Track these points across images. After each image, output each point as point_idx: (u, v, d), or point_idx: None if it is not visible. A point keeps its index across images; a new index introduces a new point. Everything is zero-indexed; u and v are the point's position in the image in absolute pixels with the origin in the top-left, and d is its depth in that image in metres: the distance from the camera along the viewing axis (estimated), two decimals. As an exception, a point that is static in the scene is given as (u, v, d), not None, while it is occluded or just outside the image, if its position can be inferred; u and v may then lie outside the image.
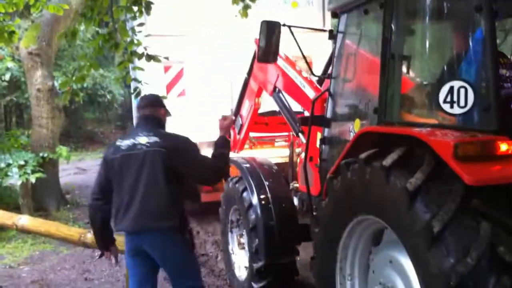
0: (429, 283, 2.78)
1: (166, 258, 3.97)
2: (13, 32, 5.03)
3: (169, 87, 8.68)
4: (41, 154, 10.00)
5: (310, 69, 5.02)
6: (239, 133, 6.95)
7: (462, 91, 3.20)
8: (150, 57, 5.80)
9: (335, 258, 3.83)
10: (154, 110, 4.21)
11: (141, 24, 5.71)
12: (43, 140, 10.29)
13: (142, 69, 6.28)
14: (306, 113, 5.55)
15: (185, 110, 8.21)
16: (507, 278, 2.54)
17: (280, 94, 5.95)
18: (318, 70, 5.71)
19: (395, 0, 3.61)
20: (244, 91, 6.73)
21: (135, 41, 5.67)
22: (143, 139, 3.96)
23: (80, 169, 16.58)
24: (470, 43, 3.35)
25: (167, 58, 6.18)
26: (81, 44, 18.17)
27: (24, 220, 6.06)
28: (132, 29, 5.73)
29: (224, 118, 4.38)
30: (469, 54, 3.33)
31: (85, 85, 19.57)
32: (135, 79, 6.38)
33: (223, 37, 8.45)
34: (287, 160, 6.67)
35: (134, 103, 13.79)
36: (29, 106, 16.22)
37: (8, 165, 9.25)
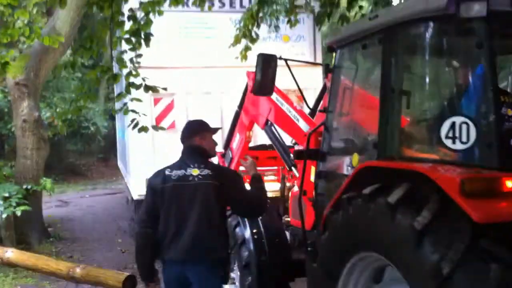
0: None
1: (206, 285, 4.02)
2: (7, 63, 4.98)
3: (159, 119, 8.66)
4: (24, 186, 9.76)
5: (306, 102, 5.01)
6: (229, 166, 6.90)
7: (464, 127, 3.20)
8: (148, 88, 5.79)
9: None
10: (200, 139, 4.29)
11: (139, 56, 5.65)
12: (27, 171, 10.15)
13: (140, 100, 6.23)
14: (297, 147, 5.55)
15: (175, 142, 8.15)
16: None
17: (272, 127, 5.93)
18: (309, 103, 5.74)
19: (395, 35, 3.63)
20: (234, 124, 6.70)
21: (133, 72, 5.60)
22: (195, 171, 4.07)
23: (62, 202, 16.23)
24: (471, 79, 3.38)
25: (165, 89, 6.15)
26: (66, 76, 18.13)
27: (10, 253, 5.86)
28: (131, 60, 5.67)
29: (245, 159, 4.62)
30: (470, 90, 3.35)
31: (69, 116, 19.84)
32: (133, 111, 6.29)
33: (214, 70, 8.45)
34: (277, 194, 6.62)
35: (119, 136, 13.72)
36: (10, 137, 15.99)
37: None
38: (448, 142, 3.24)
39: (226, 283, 4.18)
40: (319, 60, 8.94)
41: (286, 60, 4.83)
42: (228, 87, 8.10)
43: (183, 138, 4.38)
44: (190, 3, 7.89)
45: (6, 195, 9.05)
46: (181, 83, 8.53)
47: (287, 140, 5.85)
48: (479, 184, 2.83)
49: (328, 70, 4.66)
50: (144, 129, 6.33)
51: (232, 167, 6.82)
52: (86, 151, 25.30)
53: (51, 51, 9.53)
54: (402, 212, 2.97)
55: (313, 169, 4.96)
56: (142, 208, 4.26)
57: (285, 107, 5.60)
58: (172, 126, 8.62)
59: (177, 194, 4.03)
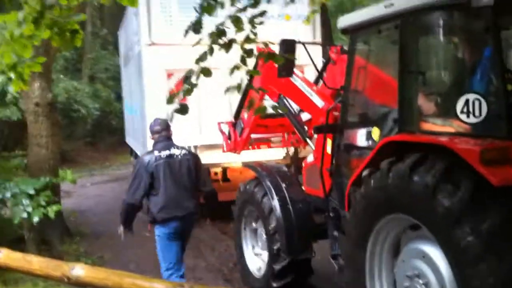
0: (456, 258, 3.35)
1: (189, 230, 5.76)
2: (75, 31, 4.17)
3: (172, 93, 8.94)
4: (42, 179, 8.07)
5: (324, 81, 5.44)
6: (240, 135, 7.35)
7: (477, 102, 3.68)
8: (270, 56, 4.03)
9: (364, 254, 4.27)
10: (169, 131, 5.76)
11: (263, 13, 3.97)
12: (44, 162, 8.87)
13: (258, 73, 4.85)
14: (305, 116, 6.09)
15: (187, 117, 8.52)
16: None
17: (285, 100, 6.33)
18: (310, 78, 6.39)
19: (412, 22, 4.08)
20: (245, 97, 7.08)
21: (252, 36, 3.87)
22: (176, 151, 5.62)
23: (63, 192, 12.76)
24: (481, 61, 3.85)
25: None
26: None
27: (80, 270, 4.02)
28: (251, 20, 3.87)
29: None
30: (480, 70, 3.82)
31: (59, 99, 17.80)
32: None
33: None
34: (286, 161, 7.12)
35: (128, 113, 13.38)
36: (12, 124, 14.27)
37: (13, 195, 7.41)
38: (463, 117, 3.72)
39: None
40: (318, 37, 9.40)
41: (304, 43, 5.24)
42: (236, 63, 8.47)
43: (160, 130, 5.71)
44: None
45: (31, 192, 7.42)
46: (193, 59, 8.84)
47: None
48: (496, 153, 3.34)
49: (343, 51, 5.09)
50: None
51: (244, 135, 7.27)
52: (73, 135, 23.09)
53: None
54: (441, 191, 3.47)
55: (329, 141, 5.45)
56: (135, 183, 5.45)
57: (298, 82, 6.03)
58: (184, 100, 8.95)
59: (169, 168, 5.47)
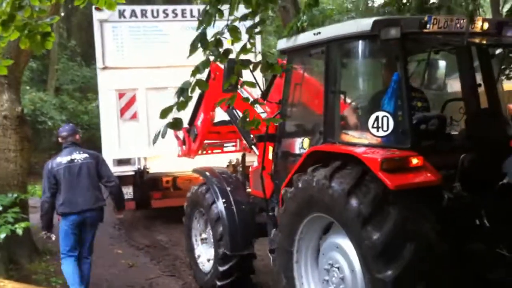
0: (364, 253, 4.01)
1: (93, 225, 6.59)
2: (47, 33, 4.04)
3: (123, 110, 10.29)
4: (10, 195, 7.68)
5: (264, 95, 6.08)
6: (194, 141, 7.96)
7: (385, 119, 4.39)
8: (269, 66, 3.91)
9: (292, 247, 4.93)
10: (75, 137, 6.65)
11: (262, 22, 3.96)
12: (11, 177, 8.31)
13: (253, 86, 4.51)
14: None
15: (136, 129, 10.21)
16: (411, 243, 3.88)
17: (234, 111, 6.98)
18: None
19: (334, 48, 4.77)
20: (199, 105, 7.69)
21: (248, 46, 3.77)
22: (78, 156, 6.48)
23: (31, 207, 11.11)
24: (390, 83, 4.56)
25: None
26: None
27: None
28: (250, 29, 3.76)
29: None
30: (389, 92, 4.54)
31: (25, 111, 18.08)
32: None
33: (170, 69, 9.93)
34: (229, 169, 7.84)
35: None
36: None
37: None
38: (374, 131, 4.43)
39: (102, 221, 6.72)
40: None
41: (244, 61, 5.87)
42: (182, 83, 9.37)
43: (66, 136, 6.58)
44: (148, 14, 10.33)
45: None
46: (142, 80, 10.18)
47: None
48: (393, 162, 4.05)
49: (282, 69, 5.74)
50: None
51: (198, 141, 7.88)
52: (38, 148, 21.32)
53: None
54: (353, 194, 4.16)
55: (270, 149, 6.11)
56: (44, 185, 6.45)
57: (245, 95, 6.66)
58: (134, 116, 10.32)
59: (69, 172, 6.35)
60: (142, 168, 10.31)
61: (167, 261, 8.32)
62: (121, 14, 10.27)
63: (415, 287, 3.92)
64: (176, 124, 3.59)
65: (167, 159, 9.82)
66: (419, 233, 3.99)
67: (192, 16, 10.43)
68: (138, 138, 10.02)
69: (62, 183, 6.37)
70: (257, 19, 3.97)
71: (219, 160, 8.94)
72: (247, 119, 3.99)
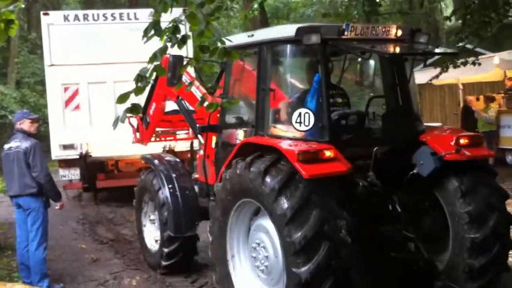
0: (277, 223, 4.60)
1: (31, 210, 6.84)
2: (11, 21, 3.99)
3: (68, 102, 11.96)
4: None
5: (205, 87, 6.56)
6: (147, 128, 8.41)
7: (307, 115, 4.95)
8: (226, 52, 3.87)
9: (226, 224, 5.45)
10: (22, 123, 6.95)
11: (219, 8, 4.01)
12: None
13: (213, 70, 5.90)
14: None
15: (78, 119, 11.85)
16: (327, 244, 4.43)
17: (183, 102, 7.44)
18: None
19: (264, 50, 5.29)
20: (151, 95, 8.11)
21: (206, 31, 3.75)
22: (14, 144, 6.87)
23: None
24: (311, 83, 5.12)
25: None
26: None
27: None
28: (208, 17, 3.76)
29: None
30: (311, 91, 5.10)
31: None
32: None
33: (109, 66, 11.50)
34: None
35: None
36: None
37: None
38: (297, 126, 4.98)
39: (49, 206, 7.02)
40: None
41: (189, 58, 6.34)
42: (120, 77, 10.71)
43: (14, 123, 7.00)
44: (90, 18, 11.97)
45: None
46: (84, 76, 11.75)
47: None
48: (308, 154, 4.60)
49: (224, 65, 6.23)
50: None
51: (150, 129, 8.34)
52: None
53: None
54: (266, 175, 4.68)
55: (214, 138, 6.61)
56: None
57: (193, 88, 7.13)
58: (77, 107, 11.99)
59: (8, 159, 6.86)
60: (84, 152, 11.64)
61: (131, 255, 8.35)
62: (66, 18, 11.98)
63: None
64: (134, 109, 3.76)
65: (109, 144, 11.26)
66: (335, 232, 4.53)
67: (129, 18, 12.00)
68: (80, 126, 11.66)
69: (3, 168, 6.97)
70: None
71: (156, 147, 9.43)
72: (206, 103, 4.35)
